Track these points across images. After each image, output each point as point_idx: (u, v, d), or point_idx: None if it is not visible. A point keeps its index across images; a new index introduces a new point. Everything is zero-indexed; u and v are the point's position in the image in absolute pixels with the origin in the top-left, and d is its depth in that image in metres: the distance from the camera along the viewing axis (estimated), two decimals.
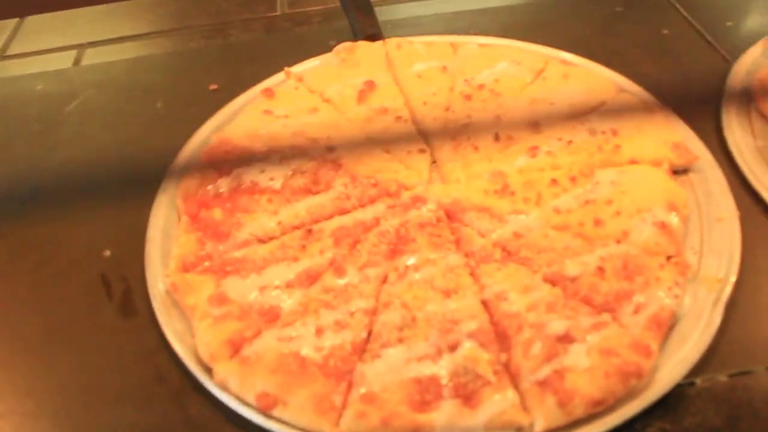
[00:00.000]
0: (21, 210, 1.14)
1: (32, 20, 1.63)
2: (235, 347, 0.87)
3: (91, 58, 1.48)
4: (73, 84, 1.39)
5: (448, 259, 0.95)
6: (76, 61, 1.48)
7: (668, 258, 0.94)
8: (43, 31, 1.59)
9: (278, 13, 1.56)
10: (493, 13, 1.50)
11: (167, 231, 1.05)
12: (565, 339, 0.84)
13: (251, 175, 1.08)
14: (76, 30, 1.57)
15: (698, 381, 0.86)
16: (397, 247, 0.98)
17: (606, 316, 0.87)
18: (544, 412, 0.79)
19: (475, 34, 1.38)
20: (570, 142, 1.09)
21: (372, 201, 1.05)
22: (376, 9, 1.46)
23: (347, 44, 1.30)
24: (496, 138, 1.12)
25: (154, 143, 1.22)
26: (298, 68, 1.32)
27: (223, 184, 1.08)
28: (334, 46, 1.37)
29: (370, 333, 0.88)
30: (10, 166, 1.23)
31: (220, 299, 0.91)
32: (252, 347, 0.86)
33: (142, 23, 1.57)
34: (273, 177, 1.08)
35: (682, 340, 0.88)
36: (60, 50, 1.51)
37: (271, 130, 1.16)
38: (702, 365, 0.86)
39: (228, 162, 1.10)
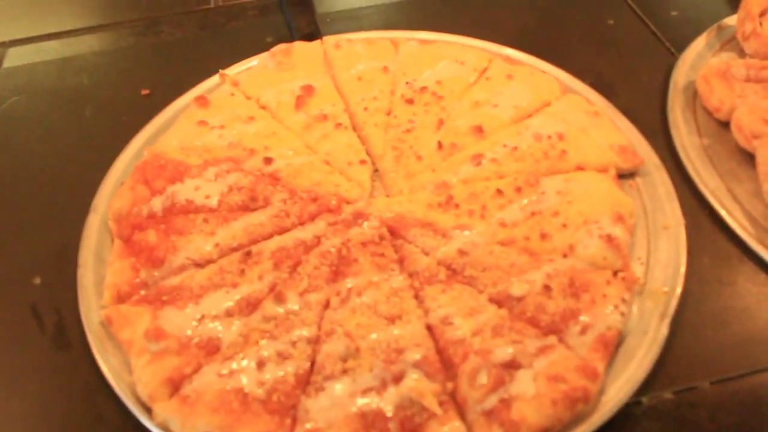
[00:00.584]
0: None
1: None
2: (175, 385, 0.85)
3: (13, 59, 1.41)
4: None
5: (391, 281, 0.94)
6: None
7: (615, 273, 0.93)
8: None
9: (212, 5, 1.51)
10: (435, 4, 1.46)
11: (100, 255, 1.01)
12: (512, 365, 0.84)
13: (185, 193, 1.05)
14: None
15: (644, 400, 0.87)
16: (339, 268, 0.96)
17: (552, 339, 0.87)
18: None
19: (417, 28, 1.34)
20: (515, 148, 1.08)
21: (312, 218, 1.02)
22: None
23: (283, 46, 1.26)
24: (440, 146, 1.09)
25: (83, 157, 1.17)
26: (233, 70, 1.28)
27: (157, 204, 1.04)
28: (271, 42, 1.33)
29: (313, 363, 0.87)
30: None
31: (157, 333, 0.88)
32: (192, 384, 0.84)
33: (68, 18, 1.50)
34: (209, 194, 1.04)
35: (629, 358, 0.88)
36: None
37: (206, 142, 1.12)
38: (648, 383, 0.87)
39: (161, 179, 1.06)
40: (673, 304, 0.92)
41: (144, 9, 1.51)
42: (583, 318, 0.88)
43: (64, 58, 1.40)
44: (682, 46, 1.30)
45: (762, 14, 1.25)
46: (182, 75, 1.28)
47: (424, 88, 1.18)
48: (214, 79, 1.26)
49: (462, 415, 0.82)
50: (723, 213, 1.04)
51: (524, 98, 1.16)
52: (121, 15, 1.50)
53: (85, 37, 1.46)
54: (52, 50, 1.42)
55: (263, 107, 1.19)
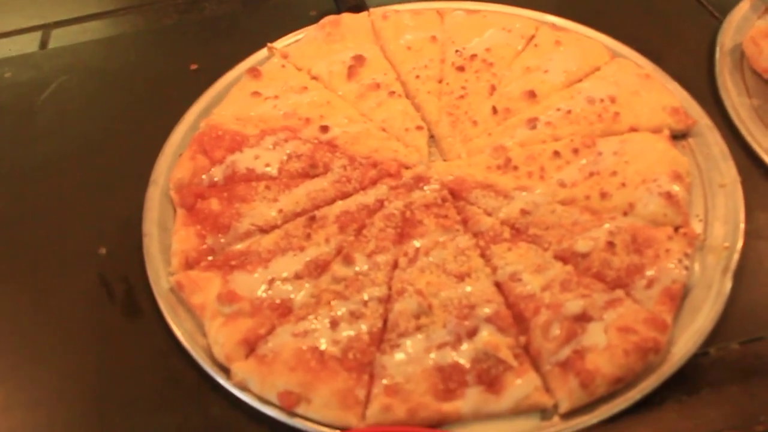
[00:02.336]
0: (5, 211, 1.11)
1: None
2: (251, 346, 0.87)
3: (58, 39, 1.44)
4: (42, 70, 1.36)
5: (457, 240, 0.96)
6: (43, 44, 1.43)
7: (676, 229, 0.96)
8: (2, 11, 1.52)
9: None
10: None
11: (163, 224, 1.04)
12: (583, 318, 0.86)
13: (246, 162, 1.07)
14: (38, 8, 1.52)
15: (712, 351, 0.89)
16: (404, 230, 0.99)
17: (620, 293, 0.89)
18: (568, 393, 0.82)
19: None
20: (569, 111, 1.10)
21: (373, 183, 1.05)
22: None
23: (331, 17, 1.29)
24: (494, 111, 1.12)
25: (137, 131, 1.20)
26: (280, 43, 1.30)
27: (218, 173, 1.07)
28: (315, 16, 1.35)
29: (386, 322, 0.89)
30: None
31: (230, 296, 0.90)
32: (268, 345, 0.87)
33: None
34: (268, 162, 1.07)
35: (695, 311, 0.90)
36: (24, 32, 1.46)
37: (261, 112, 1.15)
38: (714, 335, 0.89)
39: (220, 149, 1.08)
40: (735, 258, 0.94)
41: None
42: (649, 272, 0.90)
43: (109, 37, 1.43)
44: (726, 9, 1.32)
45: None
46: (229, 49, 1.31)
47: (474, 56, 1.20)
48: (262, 53, 1.28)
49: (537, 366, 0.85)
50: None
51: (574, 63, 1.18)
52: None
53: (128, 16, 1.48)
54: (96, 30, 1.45)
55: (315, 78, 1.22)
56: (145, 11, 1.49)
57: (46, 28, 1.47)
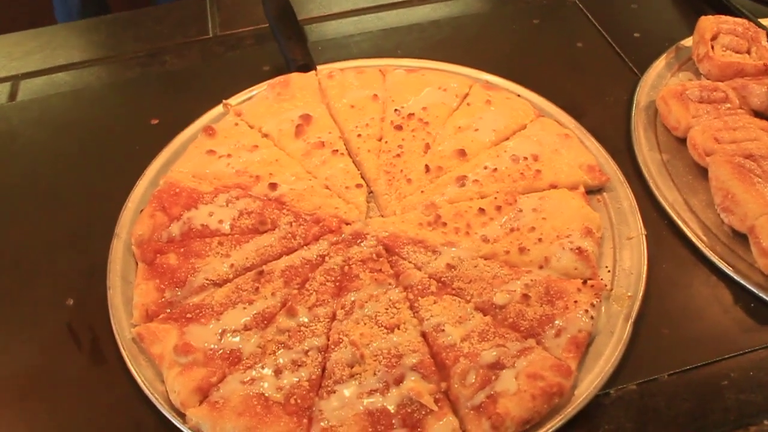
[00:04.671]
0: None
1: None
2: (204, 393, 0.98)
3: (27, 91, 1.52)
4: (11, 122, 1.45)
5: (389, 294, 1.08)
6: (12, 96, 1.52)
7: (585, 281, 1.08)
8: None
9: (210, 35, 1.63)
10: (419, 30, 1.60)
11: (126, 277, 1.14)
12: (496, 366, 0.98)
13: (201, 219, 1.18)
14: (7, 60, 1.60)
15: (612, 392, 1.01)
16: (342, 284, 1.10)
17: (531, 341, 1.01)
18: None
19: (403, 56, 1.49)
20: (495, 169, 1.22)
21: (316, 238, 1.16)
22: (306, 27, 1.55)
23: (282, 78, 1.40)
24: (427, 169, 1.24)
25: (103, 184, 1.29)
26: (235, 99, 1.41)
27: (175, 229, 1.17)
28: (268, 71, 1.47)
29: (324, 370, 1.01)
30: None
31: (185, 348, 1.01)
32: (219, 392, 0.98)
33: (75, 51, 1.62)
34: (222, 219, 1.18)
35: (598, 355, 1.03)
36: None
37: (215, 170, 1.26)
38: (615, 377, 1.01)
39: (178, 206, 1.19)
40: (636, 306, 1.07)
41: (146, 40, 1.63)
42: (558, 322, 1.03)
43: (75, 90, 1.52)
44: (644, 66, 1.45)
45: (713, 38, 1.40)
46: (188, 104, 1.41)
47: (411, 115, 1.32)
48: (218, 109, 1.38)
49: (455, 410, 0.97)
50: (680, 223, 1.18)
51: (502, 122, 1.31)
52: (124, 46, 1.62)
53: (92, 68, 1.57)
54: (63, 82, 1.54)
55: (265, 136, 1.33)
56: (110, 63, 1.58)
57: (15, 79, 1.56)
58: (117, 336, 1.07)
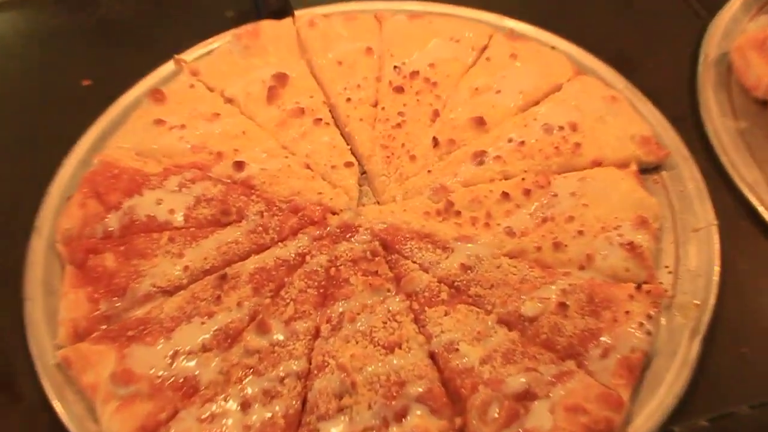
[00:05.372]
0: None
1: None
2: None
3: None
4: None
5: (387, 303, 1.05)
6: None
7: (639, 286, 1.05)
8: None
9: None
10: None
11: (49, 285, 1.11)
12: (526, 396, 0.95)
13: (146, 208, 1.15)
14: None
15: (677, 429, 0.98)
16: (328, 291, 1.07)
17: (570, 364, 0.99)
18: None
19: None
20: (522, 142, 1.19)
21: (294, 233, 1.13)
22: None
23: (250, 26, 1.37)
24: (435, 143, 1.21)
25: (19, 166, 1.26)
26: (191, 55, 1.38)
27: (113, 221, 1.14)
28: (233, 18, 1.44)
29: (304, 402, 0.98)
30: None
31: (126, 376, 0.98)
32: None
33: None
34: (173, 208, 1.15)
35: (657, 382, 1.00)
36: None
37: (165, 145, 1.23)
38: (680, 410, 0.98)
39: (116, 192, 1.16)
40: (706, 318, 1.04)
41: None
42: (604, 339, 1.00)
43: None
44: (714, 7, 1.41)
45: None
46: (129, 60, 1.38)
47: (415, 73, 1.30)
48: (169, 67, 1.35)
49: None
50: (762, 210, 1.15)
51: (531, 82, 1.28)
52: None
53: (7, 14, 1.53)
54: None
55: (229, 101, 1.30)
56: (29, 7, 1.55)
57: None
58: (36, 362, 1.03)
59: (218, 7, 1.49)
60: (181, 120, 1.26)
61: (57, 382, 1.02)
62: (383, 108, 1.27)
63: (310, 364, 1.01)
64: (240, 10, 1.44)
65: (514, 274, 1.07)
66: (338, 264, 1.10)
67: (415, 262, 1.10)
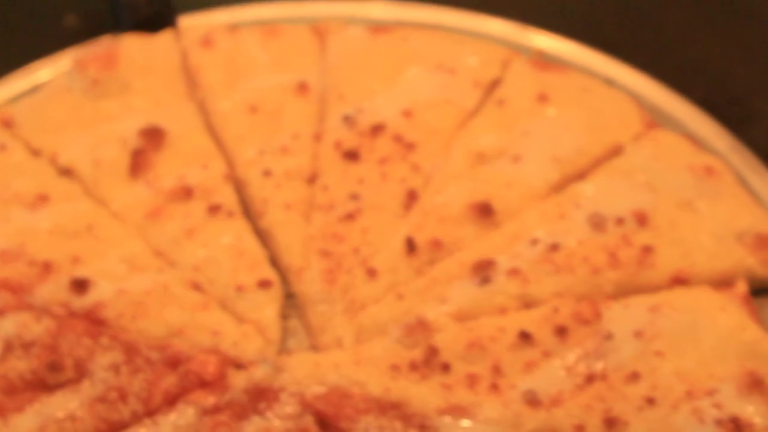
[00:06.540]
0: None
1: None
2: None
3: None
4: None
5: None
6: None
7: None
8: None
9: None
10: None
11: None
12: None
13: None
14: None
15: None
16: None
17: None
18: None
19: None
20: (554, 246, 1.21)
21: (170, 401, 1.14)
22: None
23: (102, 47, 1.38)
24: (411, 247, 1.22)
25: None
26: (2, 92, 1.39)
27: None
28: (74, 27, 1.46)
29: None
30: None
31: None
32: None
33: None
34: None
35: None
36: None
37: None
38: None
39: None
40: None
41: None
42: None
43: None
44: None
45: None
46: None
47: (378, 128, 1.31)
48: None
49: None
50: None
51: (571, 142, 1.30)
52: None
53: None
54: None
55: (66, 173, 1.31)
56: None
57: None
58: None
59: (52, 8, 1.50)
60: None
61: None
62: (325, 187, 1.28)
63: None
64: (86, 12, 1.45)
65: None
66: None
67: None
